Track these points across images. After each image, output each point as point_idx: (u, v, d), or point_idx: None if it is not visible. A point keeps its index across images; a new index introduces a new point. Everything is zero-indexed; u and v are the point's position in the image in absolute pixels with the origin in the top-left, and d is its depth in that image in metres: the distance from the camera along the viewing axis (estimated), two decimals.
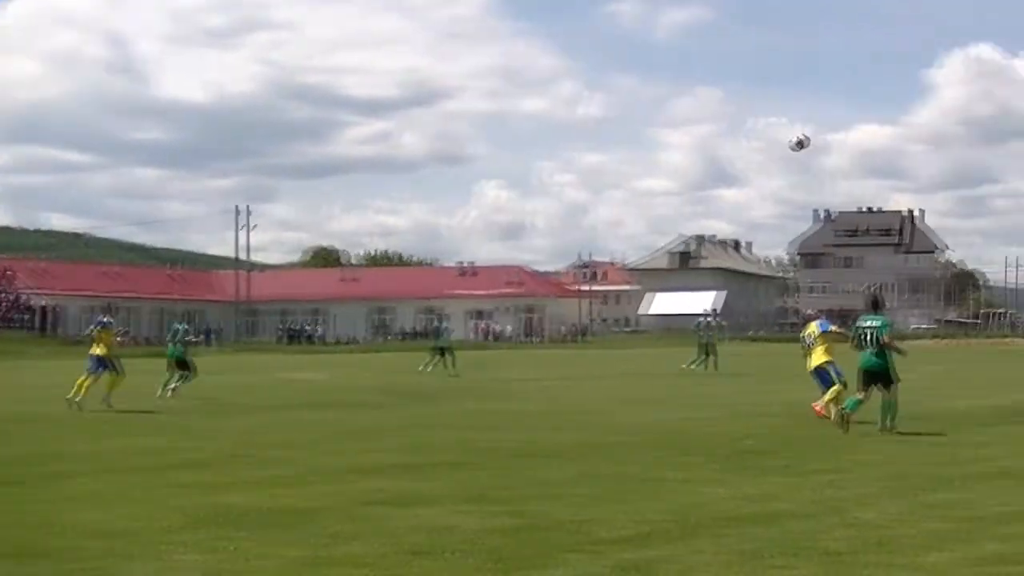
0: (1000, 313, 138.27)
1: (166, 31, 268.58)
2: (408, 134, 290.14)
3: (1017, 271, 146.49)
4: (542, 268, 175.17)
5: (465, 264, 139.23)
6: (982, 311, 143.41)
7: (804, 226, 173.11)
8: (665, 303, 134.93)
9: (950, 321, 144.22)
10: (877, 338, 18.35)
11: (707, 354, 41.66)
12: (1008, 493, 12.00)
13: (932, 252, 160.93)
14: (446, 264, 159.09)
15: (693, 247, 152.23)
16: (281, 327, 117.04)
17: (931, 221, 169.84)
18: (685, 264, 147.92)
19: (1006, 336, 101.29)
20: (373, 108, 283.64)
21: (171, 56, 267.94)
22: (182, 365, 27.92)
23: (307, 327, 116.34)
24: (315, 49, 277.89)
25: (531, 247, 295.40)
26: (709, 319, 43.86)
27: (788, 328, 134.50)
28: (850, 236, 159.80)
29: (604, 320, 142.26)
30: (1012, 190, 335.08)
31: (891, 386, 18.23)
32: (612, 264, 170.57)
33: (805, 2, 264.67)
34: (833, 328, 21.09)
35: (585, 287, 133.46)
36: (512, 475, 13.89)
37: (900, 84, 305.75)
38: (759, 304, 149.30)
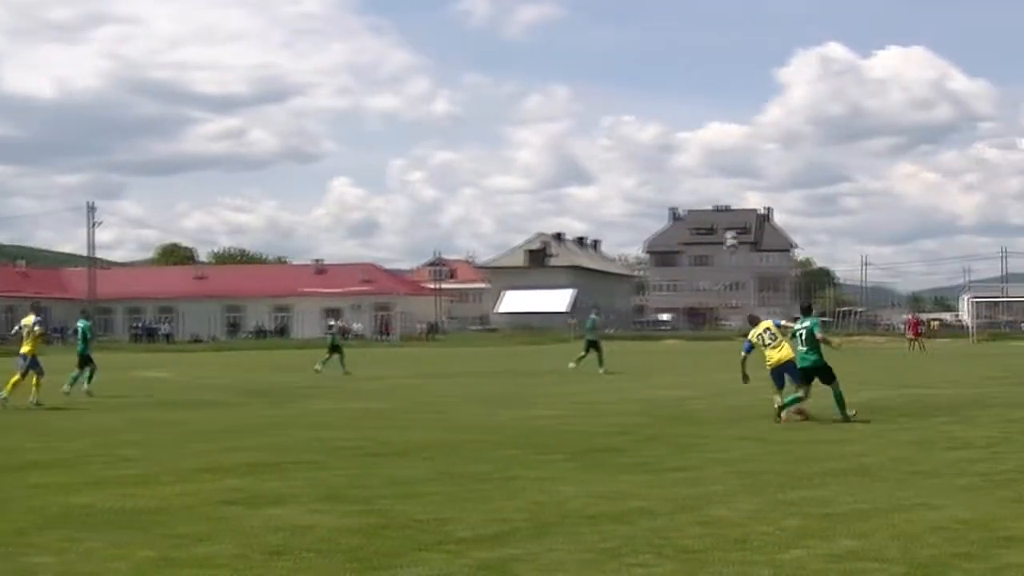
0: (852, 311, 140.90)
1: (8, 25, 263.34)
2: (258, 131, 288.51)
3: (864, 269, 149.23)
4: (395, 266, 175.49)
5: (317, 262, 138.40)
6: (839, 309, 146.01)
7: (659, 225, 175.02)
8: (518, 301, 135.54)
9: None
10: (811, 337, 20.38)
11: (597, 350, 41.79)
12: (864, 490, 12.15)
13: (785, 250, 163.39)
14: (298, 262, 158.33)
15: (546, 245, 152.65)
16: (133, 325, 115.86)
17: (783, 219, 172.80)
18: (539, 262, 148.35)
19: (852, 335, 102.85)
20: (223, 105, 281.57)
21: (15, 50, 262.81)
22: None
23: (158, 325, 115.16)
24: (163, 44, 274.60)
25: (384, 245, 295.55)
26: (594, 317, 43.99)
27: (643, 326, 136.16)
28: (703, 234, 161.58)
29: (453, 318, 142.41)
30: (862, 189, 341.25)
31: (832, 381, 20.25)
32: (466, 262, 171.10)
33: (657, 1, 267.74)
34: (784, 323, 22.08)
35: (438, 285, 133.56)
36: (368, 474, 13.76)
37: (751, 83, 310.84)
38: (614, 302, 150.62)
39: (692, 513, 10.81)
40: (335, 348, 44.17)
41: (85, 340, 29.79)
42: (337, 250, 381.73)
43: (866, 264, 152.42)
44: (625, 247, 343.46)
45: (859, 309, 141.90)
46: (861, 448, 16.23)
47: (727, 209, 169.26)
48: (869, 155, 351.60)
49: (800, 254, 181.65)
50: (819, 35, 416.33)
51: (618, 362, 45.84)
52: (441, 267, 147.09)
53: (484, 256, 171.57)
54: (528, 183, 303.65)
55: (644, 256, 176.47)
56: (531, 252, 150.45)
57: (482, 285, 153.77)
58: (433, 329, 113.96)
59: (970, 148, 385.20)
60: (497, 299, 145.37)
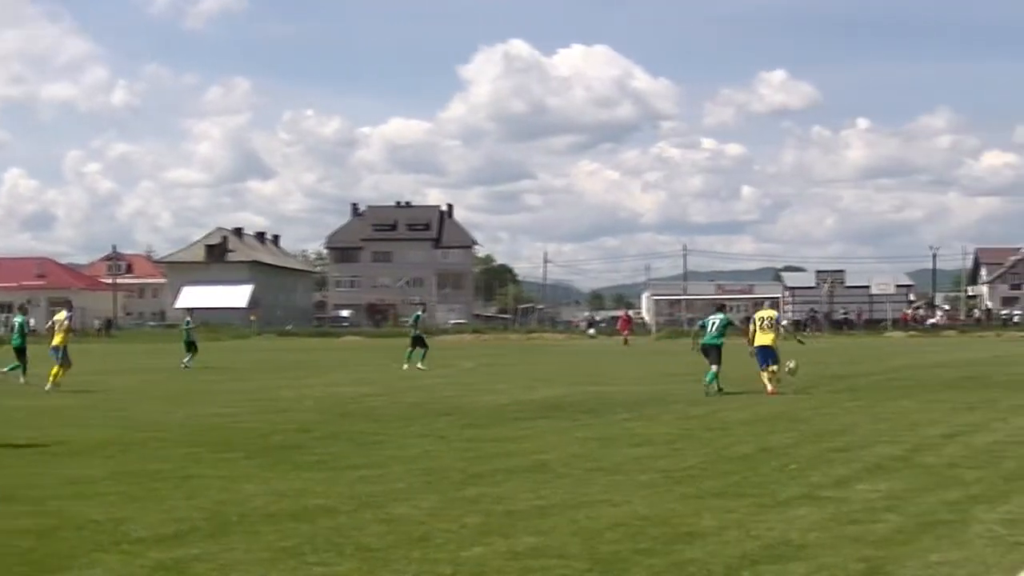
0: (533, 308, 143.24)
1: None
2: None
3: (546, 266, 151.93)
4: (71, 260, 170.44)
5: None
6: (520, 307, 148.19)
7: (340, 220, 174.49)
8: (197, 296, 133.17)
9: (487, 316, 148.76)
10: (722, 326, 27.07)
11: (423, 347, 41.29)
12: (545, 486, 12.38)
13: (467, 247, 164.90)
14: None
15: (226, 240, 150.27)
16: None
17: (464, 216, 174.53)
18: (218, 257, 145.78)
19: (532, 332, 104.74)
20: None
21: None
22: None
23: None
24: None
25: (60, 238, 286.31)
26: (419, 313, 43.64)
27: (323, 322, 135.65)
28: (385, 230, 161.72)
29: (130, 313, 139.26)
30: (543, 186, 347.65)
31: (719, 361, 26.45)
32: (144, 256, 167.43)
33: None
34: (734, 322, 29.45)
35: (115, 280, 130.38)
36: (41, 473, 13.37)
37: (434, 79, 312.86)
38: (294, 298, 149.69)
39: (373, 511, 10.86)
40: (190, 345, 43.91)
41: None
42: (10, 243, 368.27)
43: (547, 261, 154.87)
44: (306, 242, 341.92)
45: (539, 306, 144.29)
46: (542, 445, 16.50)
47: (408, 205, 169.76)
48: (551, 153, 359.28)
49: (481, 251, 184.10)
50: (503, 32, 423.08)
51: (297, 359, 45.62)
52: (118, 261, 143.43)
53: (163, 251, 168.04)
54: (207, 177, 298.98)
55: (325, 252, 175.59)
56: (210, 247, 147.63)
57: (160, 280, 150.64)
58: (109, 325, 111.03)
59: (652, 147, 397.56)
60: (175, 294, 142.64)
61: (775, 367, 26.50)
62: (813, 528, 9.98)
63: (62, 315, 32.64)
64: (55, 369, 30.27)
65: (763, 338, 26.66)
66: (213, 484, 12.53)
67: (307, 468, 13.99)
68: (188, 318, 47.14)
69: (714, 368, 26.38)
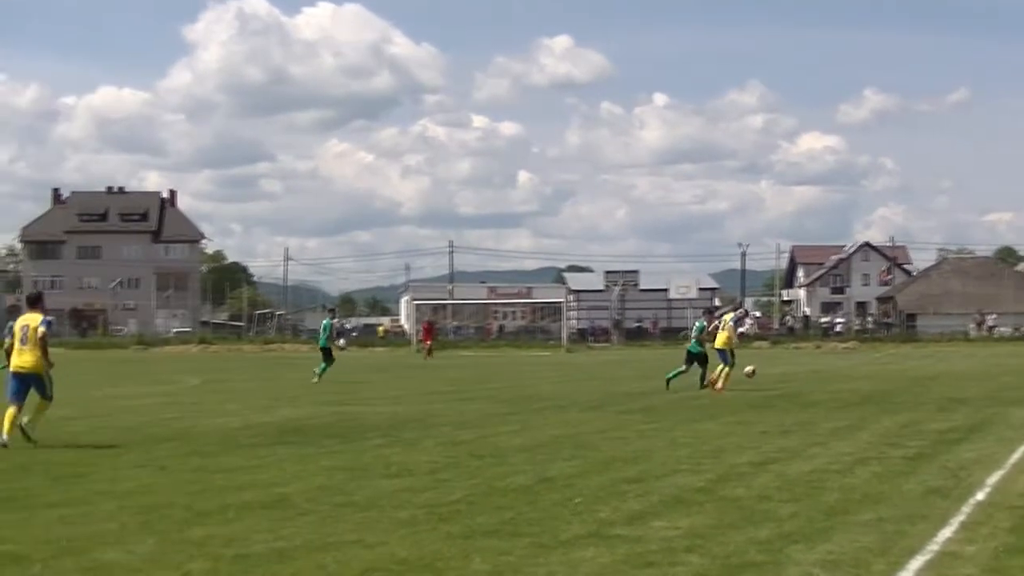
0: (271, 314, 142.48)
1: None
2: None
3: (287, 264, 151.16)
4: None
5: None
6: (256, 312, 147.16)
7: (38, 209, 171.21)
8: None
9: (217, 323, 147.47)
10: (699, 332, 35.14)
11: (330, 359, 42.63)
12: (283, 525, 12.28)
13: (193, 242, 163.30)
14: None
15: None
16: None
17: (190, 205, 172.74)
18: None
19: (271, 342, 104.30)
20: None
21: None
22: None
23: None
24: None
25: None
26: (330, 321, 43.99)
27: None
28: (93, 221, 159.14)
29: None
30: (284, 170, 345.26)
31: (705, 364, 34.54)
32: None
33: None
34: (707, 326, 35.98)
35: None
36: None
37: (153, 41, 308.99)
38: None
39: (75, 557, 10.61)
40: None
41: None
42: None
43: (288, 259, 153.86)
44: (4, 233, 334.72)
45: (279, 312, 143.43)
46: (281, 476, 16.42)
47: (122, 191, 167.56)
48: (294, 130, 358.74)
49: (210, 246, 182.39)
50: None
51: None
52: None
53: None
54: None
55: (19, 246, 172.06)
56: None
57: None
58: None
59: (414, 125, 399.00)
60: None
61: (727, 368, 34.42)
62: (602, 572, 10.08)
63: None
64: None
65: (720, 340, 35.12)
66: None
67: None
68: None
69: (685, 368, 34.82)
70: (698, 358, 35.13)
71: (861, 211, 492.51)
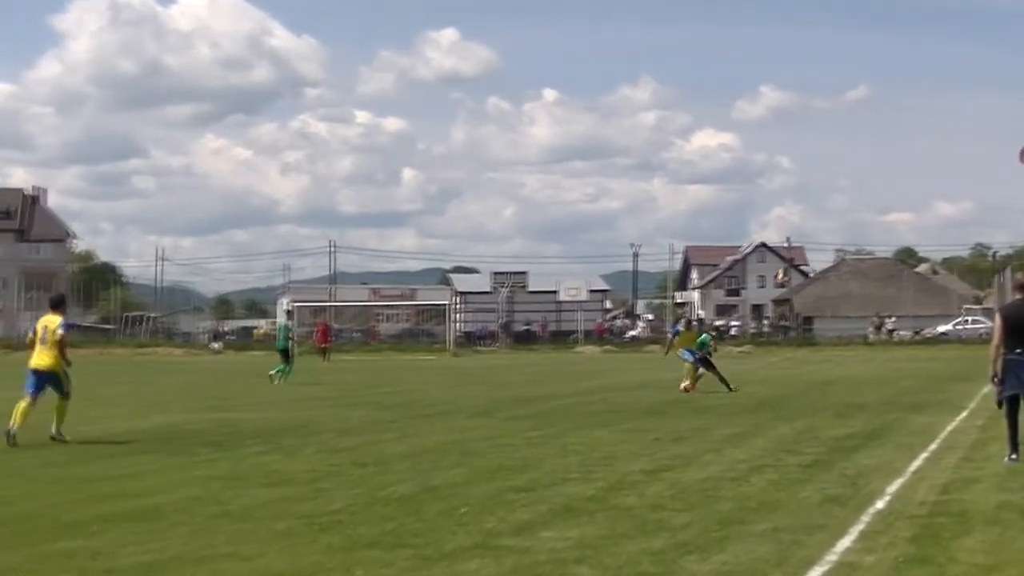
0: (144, 317, 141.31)
1: None
2: None
3: (160, 265, 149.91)
4: None
5: None
6: (128, 315, 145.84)
7: None
8: None
9: (85, 326, 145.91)
10: (702, 348, 38.54)
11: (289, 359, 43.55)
12: (153, 537, 12.16)
13: (60, 241, 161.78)
14: None
15: None
16: None
17: (58, 202, 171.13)
18: None
19: (143, 345, 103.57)
20: None
21: None
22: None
23: None
24: None
25: None
26: (287, 323, 44.53)
27: None
28: None
29: None
30: (158, 166, 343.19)
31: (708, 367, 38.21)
32: None
33: None
34: (681, 329, 39.88)
35: None
36: None
37: (20, 31, 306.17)
38: None
39: None
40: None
41: None
42: None
43: (162, 259, 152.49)
44: None
45: (152, 314, 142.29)
46: (152, 485, 16.27)
47: None
48: (168, 125, 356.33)
49: (79, 245, 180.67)
50: None
51: None
52: None
53: None
54: None
55: None
56: None
57: None
58: None
59: (293, 120, 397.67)
60: None
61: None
62: None
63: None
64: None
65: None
66: None
67: None
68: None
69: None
70: (703, 363, 38.03)
71: (757, 211, 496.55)
